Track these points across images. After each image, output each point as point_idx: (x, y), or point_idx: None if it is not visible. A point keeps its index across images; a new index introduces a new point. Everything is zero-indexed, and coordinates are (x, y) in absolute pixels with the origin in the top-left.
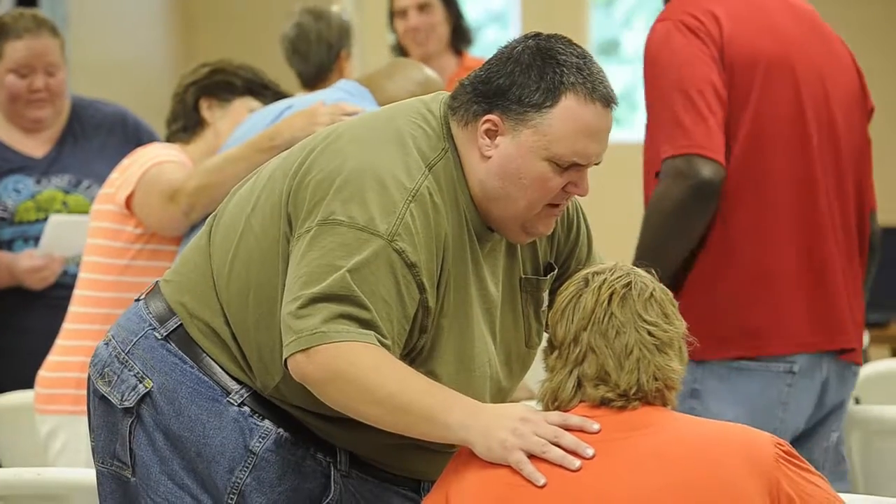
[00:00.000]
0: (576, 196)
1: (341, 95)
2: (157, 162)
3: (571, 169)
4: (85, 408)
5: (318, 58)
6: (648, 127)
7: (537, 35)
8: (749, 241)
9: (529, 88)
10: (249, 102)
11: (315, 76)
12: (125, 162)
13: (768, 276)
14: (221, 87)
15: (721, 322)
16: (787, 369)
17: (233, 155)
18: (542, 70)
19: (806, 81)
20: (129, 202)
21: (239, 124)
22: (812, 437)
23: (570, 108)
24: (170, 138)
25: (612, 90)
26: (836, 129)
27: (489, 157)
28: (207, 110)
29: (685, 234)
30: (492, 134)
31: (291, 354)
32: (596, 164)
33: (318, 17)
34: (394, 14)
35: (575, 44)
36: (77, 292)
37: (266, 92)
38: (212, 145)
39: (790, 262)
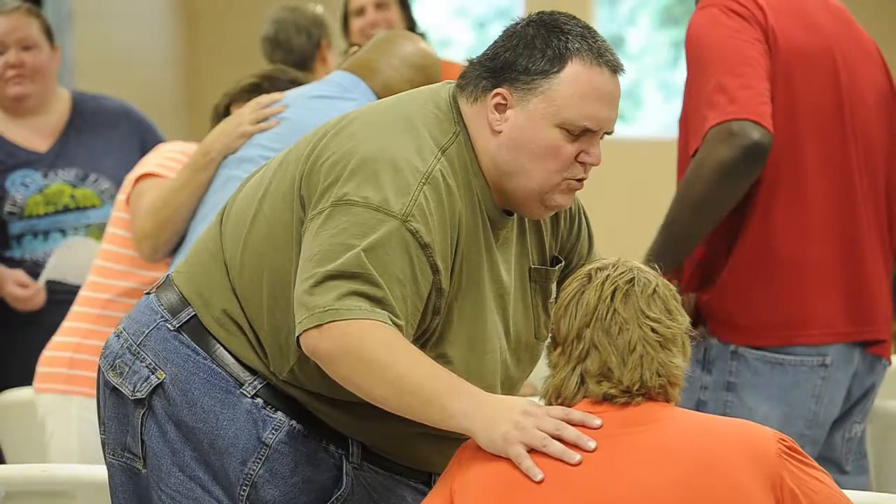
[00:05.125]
0: (580, 193)
1: (333, 89)
2: (149, 173)
3: (583, 136)
4: (76, 388)
5: (300, 46)
6: (687, 107)
7: (541, 12)
8: (787, 232)
9: (535, 57)
10: None
11: (300, 67)
12: (147, 156)
13: (805, 266)
14: (247, 90)
15: (756, 311)
16: (820, 363)
17: (175, 184)
18: (546, 39)
19: (844, 76)
20: (128, 202)
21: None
22: (833, 425)
23: (577, 73)
24: None
25: (618, 58)
26: (870, 126)
27: (500, 132)
28: None
29: (729, 196)
30: (501, 108)
31: (305, 330)
32: (608, 132)
33: (291, 10)
34: (349, 15)
35: (578, 18)
36: (90, 277)
37: (291, 87)
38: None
39: (827, 254)
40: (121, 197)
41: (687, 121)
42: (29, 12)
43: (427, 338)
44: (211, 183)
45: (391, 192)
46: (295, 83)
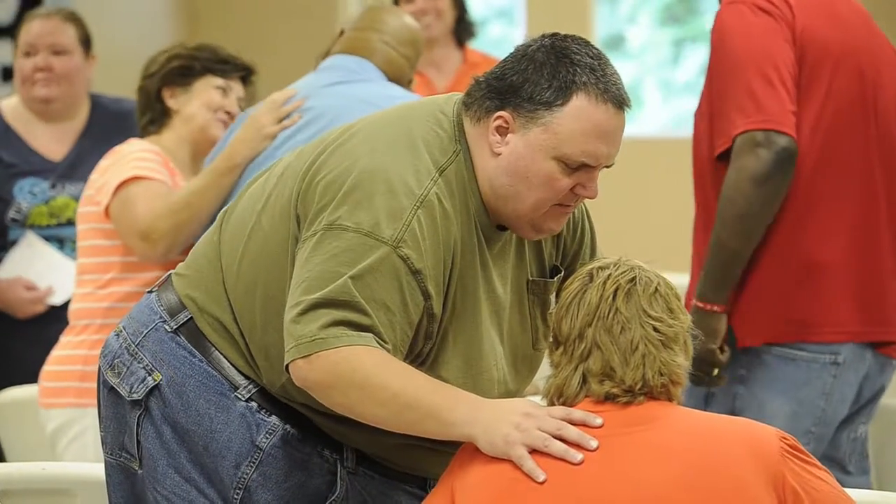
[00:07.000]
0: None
1: (344, 74)
2: (133, 177)
3: (581, 170)
4: (89, 401)
5: None
6: (712, 103)
7: (554, 35)
8: (805, 231)
9: (541, 86)
10: (212, 80)
11: None
12: (103, 163)
13: (825, 266)
14: (178, 73)
15: (772, 310)
16: (832, 360)
17: (198, 186)
18: (555, 68)
19: (869, 74)
20: (107, 212)
21: (207, 103)
22: (839, 425)
23: (580, 108)
24: (143, 132)
25: (625, 92)
26: (890, 126)
27: (499, 155)
28: (171, 99)
29: (770, 205)
30: (503, 131)
31: (292, 360)
32: (607, 166)
33: None
34: None
35: (591, 45)
36: (76, 290)
37: (226, 66)
38: (181, 132)
39: (847, 254)
40: (93, 208)
41: (711, 118)
42: (66, 18)
43: (420, 362)
44: (234, 188)
45: (383, 216)
46: (227, 63)
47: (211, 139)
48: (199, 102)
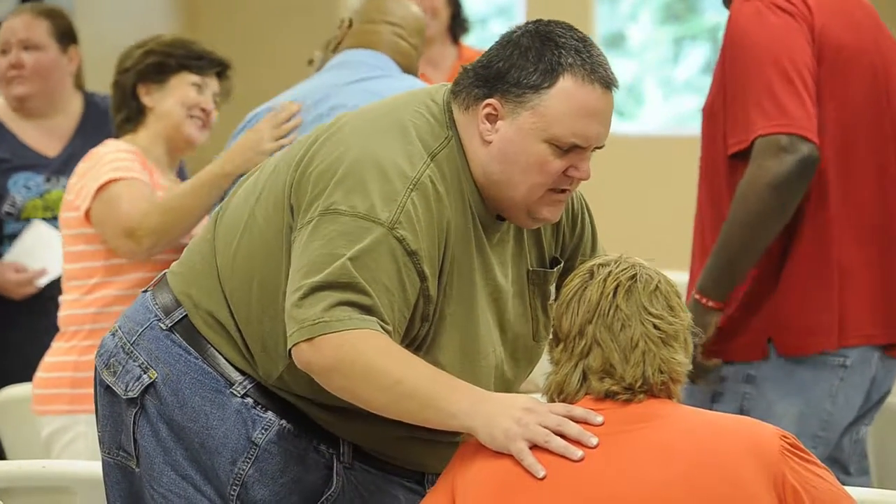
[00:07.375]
0: (580, 187)
1: (366, 70)
2: (113, 178)
3: (572, 152)
4: (81, 407)
5: None
6: (727, 99)
7: (538, 21)
8: (824, 234)
9: (527, 70)
10: (187, 77)
11: None
12: (81, 166)
13: (845, 270)
14: (154, 70)
15: (815, 318)
16: (840, 363)
17: (190, 187)
18: (540, 52)
19: (882, 75)
20: (87, 216)
21: (182, 100)
22: (844, 428)
23: (568, 89)
24: (118, 130)
25: (612, 73)
26: None
27: (490, 142)
28: (146, 96)
29: (784, 211)
30: (492, 118)
31: (295, 344)
32: (598, 147)
33: None
34: None
35: (575, 29)
36: (64, 297)
37: (202, 62)
38: (156, 129)
39: (863, 255)
40: (72, 213)
41: (726, 114)
42: (39, 13)
43: (418, 345)
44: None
45: (378, 200)
46: (203, 59)
47: (185, 137)
48: (174, 100)
